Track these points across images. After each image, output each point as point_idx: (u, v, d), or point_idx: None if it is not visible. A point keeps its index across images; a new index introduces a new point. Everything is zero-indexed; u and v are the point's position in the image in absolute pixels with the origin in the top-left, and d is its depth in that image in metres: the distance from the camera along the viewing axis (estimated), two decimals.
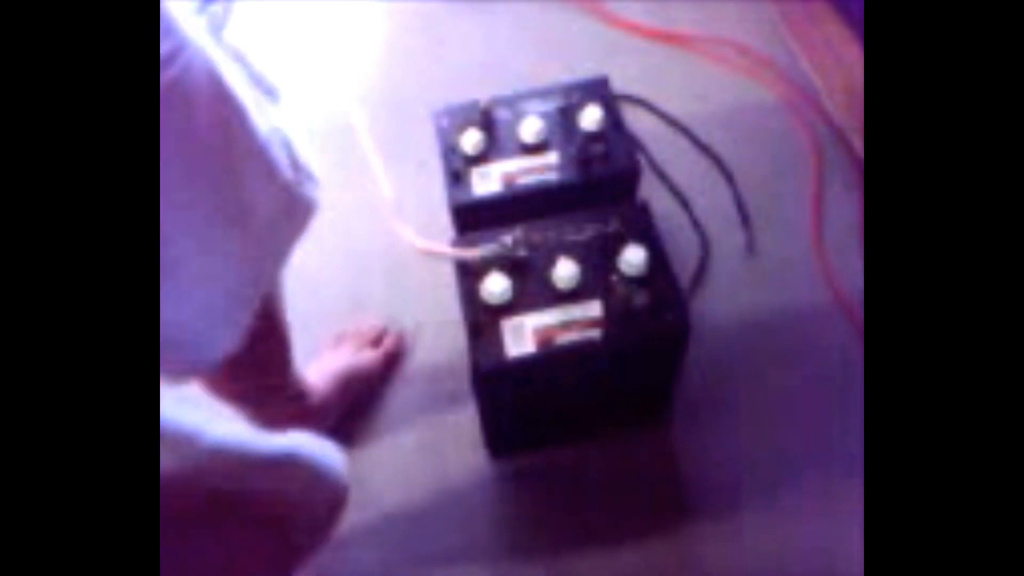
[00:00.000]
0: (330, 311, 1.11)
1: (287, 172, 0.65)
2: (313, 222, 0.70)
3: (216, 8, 1.43)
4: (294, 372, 0.90)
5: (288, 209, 0.67)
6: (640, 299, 0.81)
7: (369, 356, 1.04)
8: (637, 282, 0.82)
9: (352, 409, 1.01)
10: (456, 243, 0.87)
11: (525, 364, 0.79)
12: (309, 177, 0.69)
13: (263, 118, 0.62)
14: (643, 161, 1.20)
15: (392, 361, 1.06)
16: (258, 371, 0.83)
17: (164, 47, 0.50)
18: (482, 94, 0.98)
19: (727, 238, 1.14)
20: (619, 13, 1.42)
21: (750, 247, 1.13)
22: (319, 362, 1.01)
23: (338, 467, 0.74)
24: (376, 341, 1.06)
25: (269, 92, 0.68)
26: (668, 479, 0.96)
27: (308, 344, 1.07)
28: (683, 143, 1.25)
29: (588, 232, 0.86)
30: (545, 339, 0.80)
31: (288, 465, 0.66)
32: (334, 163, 1.24)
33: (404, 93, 1.33)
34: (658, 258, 0.83)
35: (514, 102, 0.98)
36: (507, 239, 0.83)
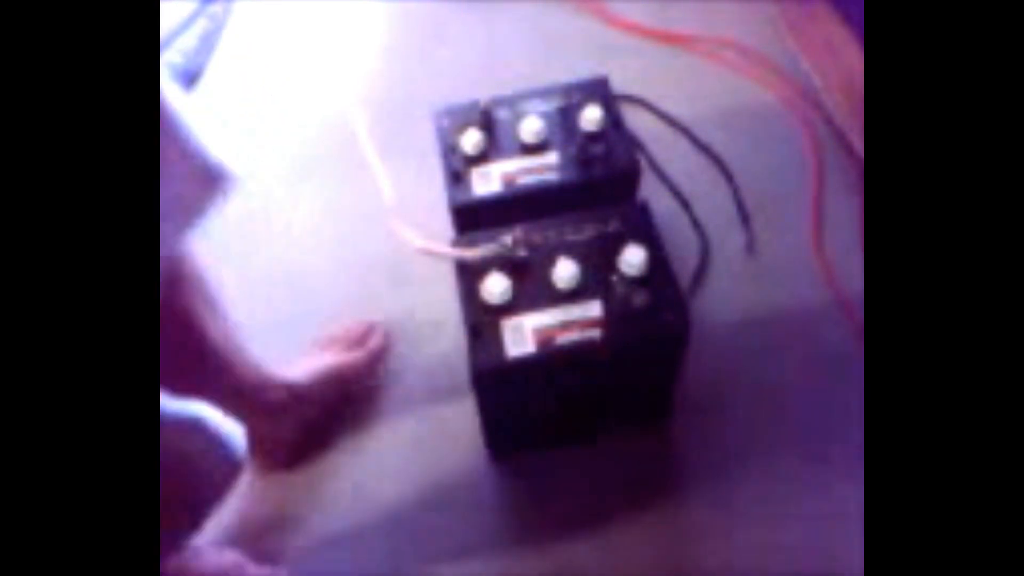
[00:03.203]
0: (330, 311, 1.11)
1: (201, 151, 0.66)
2: (228, 199, 0.71)
3: (216, 8, 1.44)
4: (242, 368, 0.88)
5: (199, 185, 0.68)
6: (640, 299, 0.81)
7: (354, 355, 1.04)
8: (637, 282, 0.82)
9: (341, 408, 1.01)
10: (456, 243, 0.87)
11: (525, 364, 0.79)
12: (221, 160, 0.70)
13: (177, 101, 0.63)
14: (643, 161, 1.20)
15: (377, 359, 1.06)
16: (190, 369, 0.82)
17: None
18: (482, 94, 0.98)
19: (727, 238, 1.14)
20: (619, 13, 1.42)
21: (750, 247, 1.13)
22: (305, 360, 1.02)
23: (237, 440, 0.79)
24: (362, 340, 1.06)
25: (184, 78, 0.69)
26: (668, 479, 0.96)
27: (307, 346, 1.07)
28: (683, 143, 1.25)
29: (588, 232, 0.86)
30: (545, 339, 0.80)
31: (193, 429, 0.73)
32: (334, 163, 1.25)
33: (404, 93, 1.33)
34: (658, 258, 0.83)
35: (514, 102, 0.98)
36: (507, 239, 0.83)
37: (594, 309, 0.81)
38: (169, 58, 1.37)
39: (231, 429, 0.79)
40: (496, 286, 0.81)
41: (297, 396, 0.96)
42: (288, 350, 1.07)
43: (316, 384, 0.98)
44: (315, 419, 0.99)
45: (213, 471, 0.79)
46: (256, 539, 0.94)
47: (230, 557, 0.88)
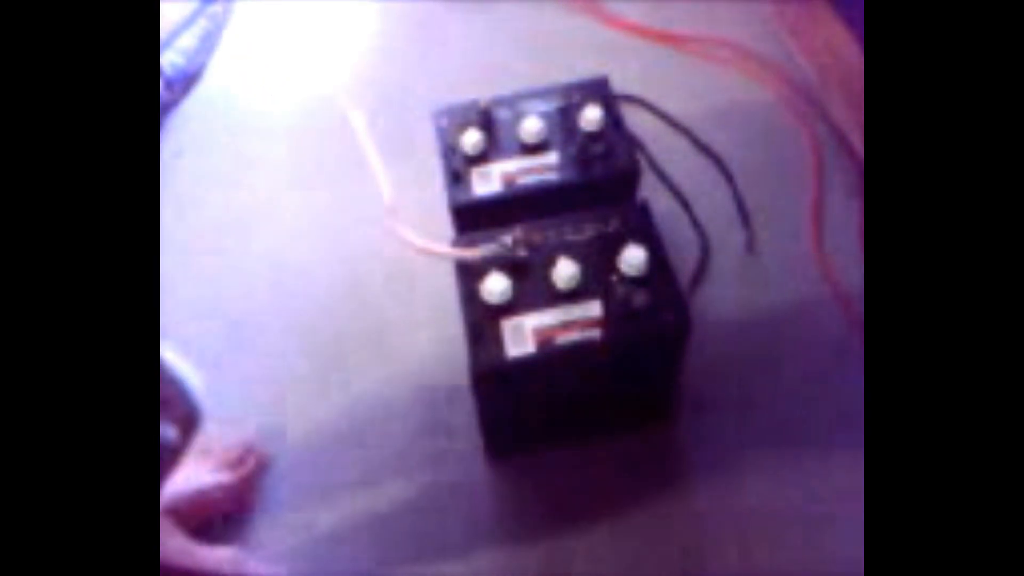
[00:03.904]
0: (329, 313, 1.11)
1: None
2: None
3: (216, 8, 1.45)
4: None
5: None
6: (640, 299, 0.81)
7: (224, 480, 0.94)
8: (637, 282, 0.82)
9: (199, 531, 0.91)
10: (456, 243, 0.87)
11: (525, 364, 0.79)
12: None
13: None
14: (643, 161, 1.20)
15: (249, 487, 0.96)
16: None
17: None
18: (482, 94, 0.98)
19: (727, 238, 1.14)
20: (618, 13, 1.42)
21: (750, 247, 1.13)
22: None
23: (195, 385, 0.74)
24: (237, 462, 0.96)
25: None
26: (668, 478, 0.96)
27: (307, 346, 1.07)
28: (683, 143, 1.25)
29: (588, 232, 0.86)
30: (545, 339, 0.80)
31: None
32: (334, 163, 1.25)
33: (404, 93, 1.33)
34: (658, 258, 0.83)
35: (514, 102, 0.98)
36: (507, 239, 0.83)
37: (594, 309, 0.81)
38: (169, 58, 1.37)
39: (189, 372, 0.75)
40: (496, 286, 0.81)
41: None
42: (285, 352, 1.07)
43: (177, 507, 0.89)
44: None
45: (176, 410, 0.73)
46: (254, 538, 0.94)
47: (229, 553, 0.88)
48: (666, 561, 0.90)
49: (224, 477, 0.94)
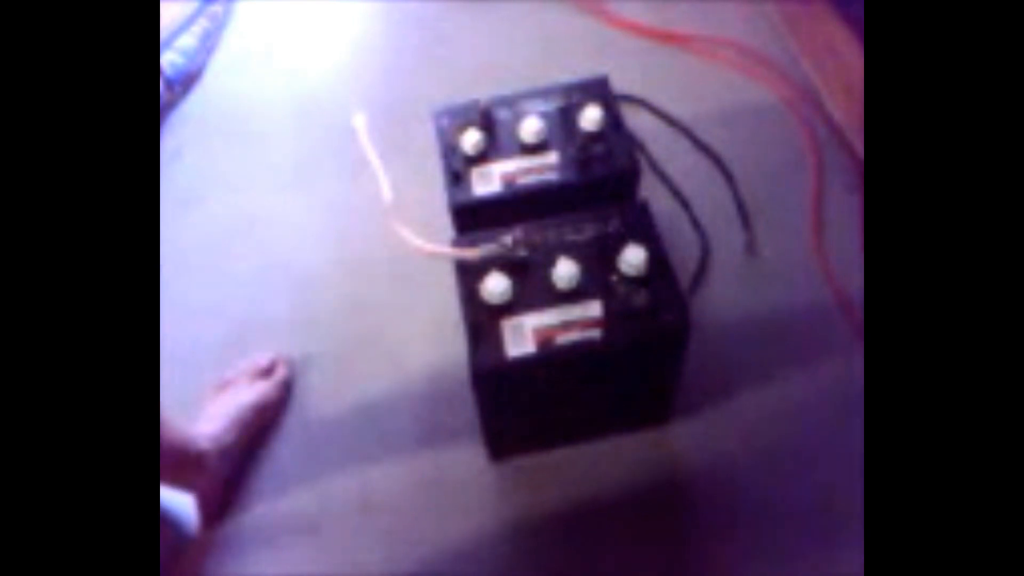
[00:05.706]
0: (330, 312, 1.11)
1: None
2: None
3: (216, 8, 1.45)
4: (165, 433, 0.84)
5: None
6: (640, 299, 0.81)
7: (263, 387, 1.00)
8: (637, 282, 0.82)
9: (253, 445, 0.98)
10: (456, 243, 0.87)
11: (525, 364, 0.79)
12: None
13: None
14: (643, 161, 1.20)
15: (286, 388, 1.03)
16: None
17: None
18: (482, 94, 0.98)
19: (727, 238, 1.14)
20: (619, 13, 1.42)
21: (750, 247, 1.13)
22: (210, 407, 0.97)
23: (184, 515, 0.79)
24: (267, 371, 1.03)
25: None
26: (668, 479, 0.96)
27: (307, 346, 1.07)
28: (683, 143, 1.25)
29: (588, 232, 0.86)
30: (545, 339, 0.80)
31: None
32: (334, 163, 1.25)
33: (404, 93, 1.33)
34: (658, 258, 0.83)
35: (514, 102, 0.98)
36: (507, 239, 0.83)
37: (594, 309, 0.81)
38: (169, 58, 1.37)
39: (178, 503, 0.78)
40: (496, 286, 0.81)
41: (220, 449, 0.92)
42: (287, 350, 1.07)
43: (234, 429, 0.95)
44: (233, 468, 0.96)
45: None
46: (253, 537, 0.94)
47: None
48: (664, 561, 0.90)
49: (261, 386, 1.00)
